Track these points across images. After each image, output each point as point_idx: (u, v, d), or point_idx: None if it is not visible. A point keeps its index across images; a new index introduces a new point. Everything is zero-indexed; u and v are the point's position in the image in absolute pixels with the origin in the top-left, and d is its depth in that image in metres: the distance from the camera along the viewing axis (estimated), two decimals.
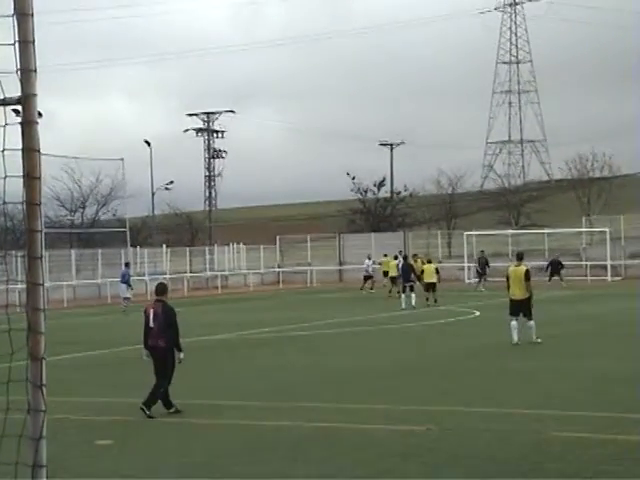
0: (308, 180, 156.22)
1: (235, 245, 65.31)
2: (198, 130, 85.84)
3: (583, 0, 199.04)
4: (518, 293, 22.17)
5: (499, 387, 15.72)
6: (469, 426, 12.20)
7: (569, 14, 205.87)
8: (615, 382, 15.73)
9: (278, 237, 70.04)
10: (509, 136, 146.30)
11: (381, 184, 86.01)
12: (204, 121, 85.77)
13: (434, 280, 38.05)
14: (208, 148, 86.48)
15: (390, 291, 44.41)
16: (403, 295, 36.46)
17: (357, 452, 10.91)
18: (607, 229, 61.38)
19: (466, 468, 9.94)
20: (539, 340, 22.06)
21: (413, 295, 36.00)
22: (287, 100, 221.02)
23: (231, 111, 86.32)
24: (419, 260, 41.42)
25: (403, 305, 35.67)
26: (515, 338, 21.96)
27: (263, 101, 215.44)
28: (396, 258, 44.18)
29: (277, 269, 66.53)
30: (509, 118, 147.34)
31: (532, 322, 22.15)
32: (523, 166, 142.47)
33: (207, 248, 66.30)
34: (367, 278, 50.82)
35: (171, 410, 13.94)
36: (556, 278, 48.85)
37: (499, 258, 63.59)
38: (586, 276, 56.95)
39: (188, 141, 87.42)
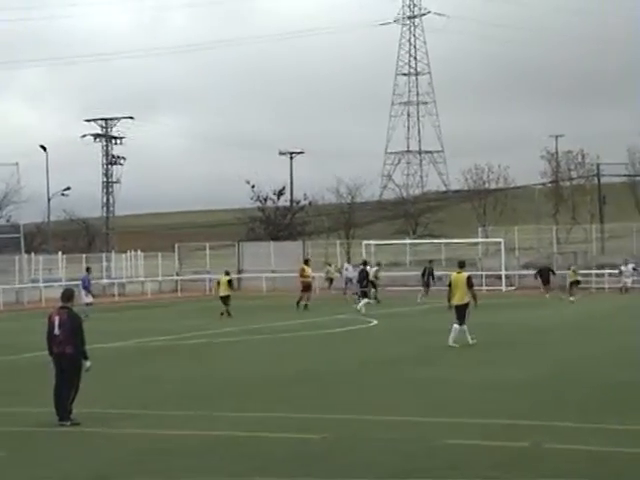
0: (208, 188, 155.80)
1: (133, 252, 64.59)
2: (96, 136, 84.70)
3: (481, 16, 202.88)
4: (459, 298, 23.31)
5: (394, 396, 15.85)
6: (364, 435, 12.28)
7: (467, 29, 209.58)
8: (506, 390, 16.01)
9: (177, 245, 69.49)
10: (408, 147, 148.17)
11: (281, 193, 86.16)
12: (102, 127, 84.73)
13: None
14: (106, 154, 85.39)
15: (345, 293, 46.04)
16: (361, 299, 38.70)
17: (251, 460, 10.89)
18: (502, 240, 62.49)
19: (358, 476, 9.99)
20: (456, 345, 22.99)
21: (364, 301, 38.37)
22: (189, 107, 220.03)
23: (130, 117, 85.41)
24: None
25: (360, 308, 37.64)
26: (451, 342, 23.11)
27: (165, 108, 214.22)
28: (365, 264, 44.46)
29: (175, 277, 65.97)
30: (408, 129, 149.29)
31: (464, 326, 23.28)
32: (421, 176, 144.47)
33: (104, 255, 65.41)
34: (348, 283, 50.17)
35: (67, 423, 13.60)
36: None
37: (397, 267, 64.23)
38: (482, 286, 57.87)
39: (86, 147, 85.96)
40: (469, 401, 14.97)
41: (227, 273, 39.83)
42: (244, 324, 32.80)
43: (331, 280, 59.95)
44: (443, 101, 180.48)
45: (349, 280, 53.38)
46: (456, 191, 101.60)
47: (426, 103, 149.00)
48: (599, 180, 78.28)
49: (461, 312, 23.30)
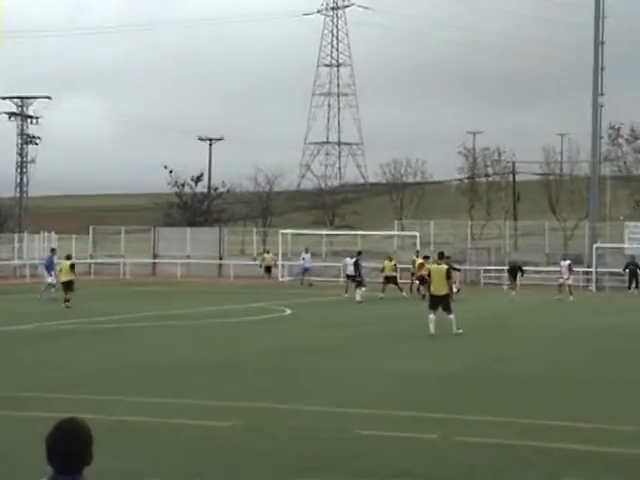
0: (126, 171, 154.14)
1: (46, 234, 63.57)
2: (11, 114, 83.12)
3: (404, 10, 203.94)
4: (438, 289, 23.99)
5: (307, 385, 15.83)
6: (274, 423, 12.22)
7: (390, 23, 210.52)
8: (419, 382, 16.10)
9: (91, 227, 68.64)
10: (327, 138, 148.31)
11: (199, 179, 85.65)
12: (18, 105, 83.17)
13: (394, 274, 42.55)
14: (21, 133, 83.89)
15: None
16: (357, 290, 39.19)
17: (160, 446, 10.75)
18: (417, 233, 62.99)
19: (268, 465, 9.93)
20: (460, 331, 23.64)
21: (359, 290, 38.98)
22: (110, 90, 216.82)
23: (47, 97, 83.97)
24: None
25: (359, 298, 38.30)
26: (432, 330, 23.59)
27: (86, 89, 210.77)
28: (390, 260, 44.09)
29: (89, 260, 65.14)
30: (328, 120, 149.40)
31: (452, 316, 23.94)
32: (340, 168, 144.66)
33: (16, 236, 64.26)
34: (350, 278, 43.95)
35: None
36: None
37: (313, 258, 64.22)
38: (398, 279, 58.20)
39: (0, 125, 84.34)
40: (382, 392, 15.02)
41: (69, 257, 37.63)
42: (157, 310, 32.49)
43: (268, 268, 59.78)
44: (364, 94, 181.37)
45: (306, 270, 53.23)
46: (374, 184, 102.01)
47: (347, 95, 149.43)
48: (514, 177, 79.33)
49: (438, 302, 23.93)
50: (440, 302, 24.00)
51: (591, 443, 11.19)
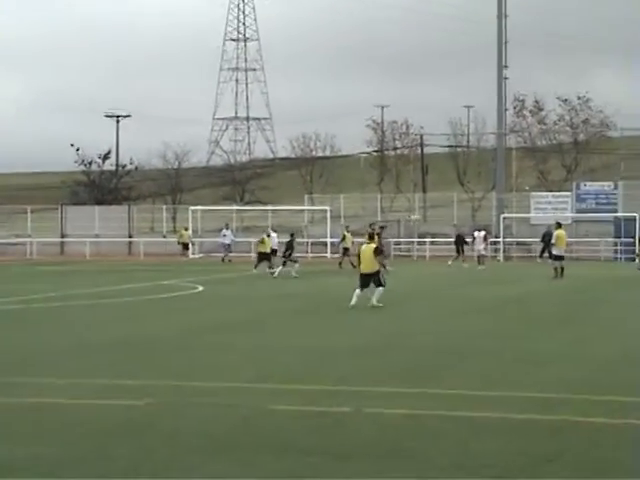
0: (32, 149, 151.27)
1: None
2: None
3: None
4: (368, 267, 24.89)
5: (221, 362, 15.77)
6: (190, 401, 12.17)
7: None
8: (331, 356, 16.18)
9: None
10: (236, 113, 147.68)
11: (106, 156, 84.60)
12: None
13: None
14: None
15: (340, 263, 45.36)
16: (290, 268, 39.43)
17: (73, 427, 10.61)
18: (328, 207, 63.22)
19: (182, 443, 9.89)
20: (380, 304, 24.26)
21: (289, 267, 39.45)
22: (14, 66, 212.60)
23: None
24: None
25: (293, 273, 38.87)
26: (354, 302, 24.30)
27: None
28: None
29: None
30: (236, 95, 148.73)
31: (381, 288, 24.66)
32: (249, 143, 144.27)
33: None
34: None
35: None
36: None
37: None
38: (307, 253, 58.43)
39: None
40: (295, 367, 15.06)
41: None
42: (65, 289, 32.06)
43: (185, 245, 59.35)
44: (272, 69, 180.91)
45: (227, 246, 52.98)
46: (283, 158, 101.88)
47: (255, 70, 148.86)
48: (422, 150, 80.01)
49: (368, 280, 24.81)
50: (369, 279, 24.89)
51: (499, 410, 11.41)
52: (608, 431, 10.35)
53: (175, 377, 13.97)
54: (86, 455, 9.45)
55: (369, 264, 24.98)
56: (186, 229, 60.62)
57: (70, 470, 8.92)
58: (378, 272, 25.07)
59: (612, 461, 9.12)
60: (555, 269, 37.33)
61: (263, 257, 40.73)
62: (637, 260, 47.75)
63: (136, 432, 10.44)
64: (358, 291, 24.82)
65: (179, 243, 60.07)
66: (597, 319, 22.98)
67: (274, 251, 41.97)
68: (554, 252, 38.54)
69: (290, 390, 12.92)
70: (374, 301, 24.53)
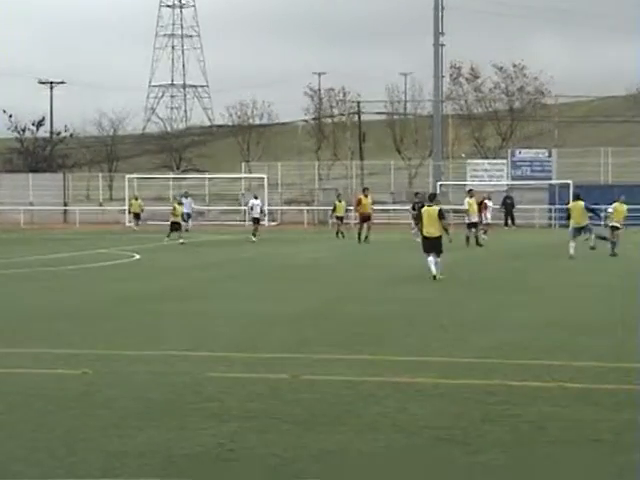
0: None
1: None
2: None
3: None
4: (432, 231, 23.54)
5: (155, 330, 15.71)
6: (126, 369, 12.11)
7: None
8: (269, 324, 16.20)
9: None
10: (172, 80, 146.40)
11: (40, 123, 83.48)
12: None
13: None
14: None
15: (338, 231, 45.15)
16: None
17: (7, 396, 10.51)
18: (265, 176, 63.07)
19: (118, 411, 9.85)
20: (442, 276, 23.07)
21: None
22: None
23: None
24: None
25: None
26: (434, 270, 23.12)
27: None
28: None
29: None
30: (172, 62, 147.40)
31: (439, 259, 23.42)
32: (186, 111, 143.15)
33: None
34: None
35: None
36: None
37: (160, 202, 63.71)
38: (244, 221, 58.31)
39: None
40: (232, 335, 15.04)
41: None
42: None
43: (137, 215, 58.36)
44: (209, 35, 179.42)
45: (187, 215, 52.33)
46: (220, 126, 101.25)
47: (191, 36, 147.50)
48: (359, 117, 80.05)
49: (433, 244, 23.43)
50: (433, 244, 23.50)
51: (434, 375, 11.53)
52: (542, 394, 10.52)
53: (111, 346, 13.88)
54: (22, 424, 9.37)
55: (432, 228, 23.55)
56: (136, 198, 59.44)
57: (5, 439, 8.84)
58: (440, 237, 23.57)
59: (547, 420, 9.27)
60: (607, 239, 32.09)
61: (175, 226, 40.56)
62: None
63: (73, 400, 10.38)
64: (431, 258, 23.33)
65: (130, 212, 59.21)
66: (527, 285, 23.23)
67: (189, 215, 43.60)
68: (611, 224, 32.66)
69: (228, 357, 12.92)
70: (438, 273, 23.10)
